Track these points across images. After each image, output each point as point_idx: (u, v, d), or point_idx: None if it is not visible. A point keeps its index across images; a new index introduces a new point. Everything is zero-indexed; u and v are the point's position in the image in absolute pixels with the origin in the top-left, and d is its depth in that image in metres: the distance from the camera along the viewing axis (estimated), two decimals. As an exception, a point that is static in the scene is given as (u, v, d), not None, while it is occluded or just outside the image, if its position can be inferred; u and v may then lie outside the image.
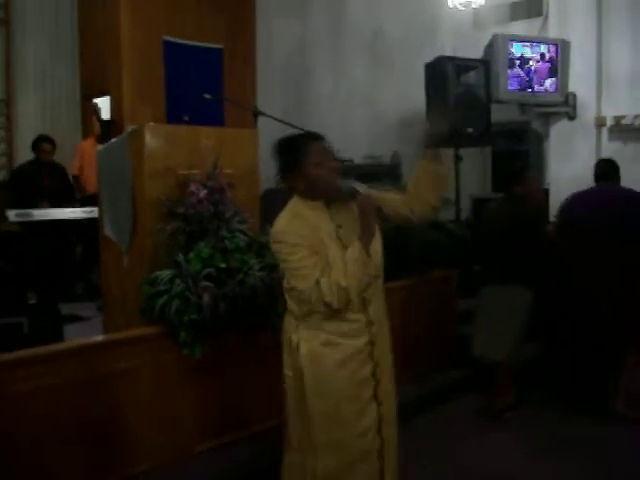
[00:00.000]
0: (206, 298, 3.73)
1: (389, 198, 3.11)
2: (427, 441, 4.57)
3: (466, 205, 7.10)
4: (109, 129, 7.88)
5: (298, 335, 2.88)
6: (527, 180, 4.98)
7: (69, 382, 3.38)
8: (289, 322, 2.98)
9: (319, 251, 2.78)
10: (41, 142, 7.17)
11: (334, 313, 2.81)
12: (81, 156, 7.78)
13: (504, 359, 4.93)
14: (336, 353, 2.85)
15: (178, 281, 3.76)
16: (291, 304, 2.93)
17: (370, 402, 2.93)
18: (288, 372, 2.99)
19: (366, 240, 2.77)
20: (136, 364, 3.66)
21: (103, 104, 8.82)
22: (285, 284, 2.92)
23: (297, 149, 2.84)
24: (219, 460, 3.92)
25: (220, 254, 3.95)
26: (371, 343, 2.94)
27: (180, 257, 3.84)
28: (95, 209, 6.34)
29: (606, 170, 5.26)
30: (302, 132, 2.99)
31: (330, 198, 2.90)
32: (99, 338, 3.84)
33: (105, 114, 8.71)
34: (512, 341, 4.90)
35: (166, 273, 3.81)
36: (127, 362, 3.62)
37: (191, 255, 3.87)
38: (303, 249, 2.75)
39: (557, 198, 6.92)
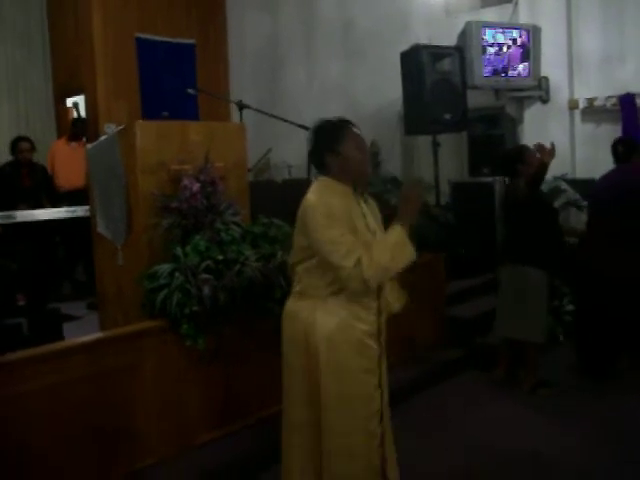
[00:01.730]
0: (206, 290, 3.79)
1: None
2: (427, 420, 4.70)
3: (445, 189, 7.20)
4: (80, 127, 7.87)
5: (314, 316, 2.89)
6: (529, 157, 5.04)
7: (74, 380, 3.42)
8: (299, 305, 2.96)
9: (352, 231, 2.81)
10: (19, 142, 7.13)
11: (355, 296, 2.86)
12: (52, 156, 7.75)
13: (531, 338, 5.08)
14: (351, 337, 2.90)
15: (178, 274, 3.82)
16: (308, 284, 2.93)
17: (377, 389, 3.01)
18: (294, 353, 2.99)
19: (405, 225, 2.82)
20: (140, 358, 3.71)
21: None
22: (308, 261, 2.91)
23: (340, 130, 2.92)
24: (224, 449, 3.98)
25: (216, 246, 4.01)
26: (379, 331, 3.01)
27: (178, 250, 3.89)
28: (78, 208, 6.37)
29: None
30: (342, 118, 2.99)
31: (359, 182, 2.97)
32: (102, 334, 3.87)
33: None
34: (537, 320, 5.04)
35: (165, 267, 3.86)
36: (131, 357, 3.68)
37: (188, 248, 3.93)
38: (343, 225, 2.78)
39: (533, 180, 7.08)
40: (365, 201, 3.03)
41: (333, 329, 2.87)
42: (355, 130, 2.95)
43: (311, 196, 2.87)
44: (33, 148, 7.20)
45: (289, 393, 3.07)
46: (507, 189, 5.23)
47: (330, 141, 2.91)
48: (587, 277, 5.43)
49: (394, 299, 3.20)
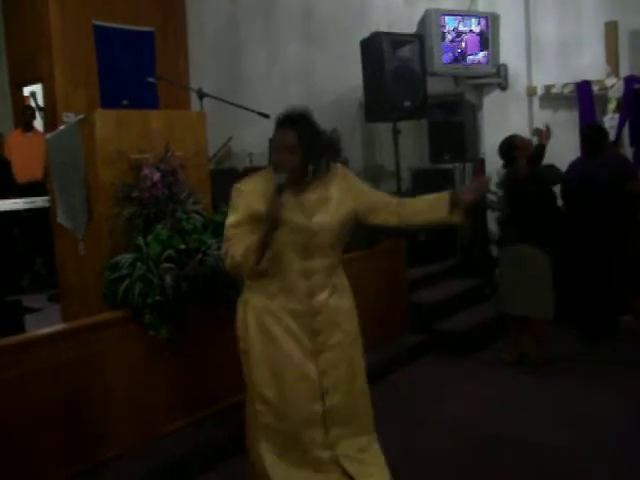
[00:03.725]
0: (168, 279, 3.79)
1: (377, 200, 3.21)
2: (393, 403, 4.73)
3: (406, 176, 7.25)
4: (30, 115, 7.82)
5: (245, 295, 3.14)
6: (519, 141, 5.42)
7: (37, 372, 3.39)
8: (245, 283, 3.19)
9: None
10: None
11: (278, 274, 3.03)
12: (8, 148, 7.66)
13: (539, 314, 5.29)
14: (275, 313, 3.05)
15: (139, 264, 3.81)
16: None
17: (308, 365, 3.08)
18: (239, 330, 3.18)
19: (266, 228, 2.86)
20: (102, 349, 3.69)
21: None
22: None
23: (275, 128, 3.04)
24: (190, 438, 4.00)
25: (178, 235, 4.00)
26: (311, 312, 3.08)
27: (140, 240, 3.88)
28: (37, 199, 6.29)
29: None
30: (283, 113, 3.04)
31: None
32: (64, 326, 3.85)
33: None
34: (545, 296, 5.26)
35: (127, 257, 3.85)
36: (93, 348, 3.65)
37: (150, 238, 3.91)
38: (243, 212, 2.97)
39: (492, 167, 7.14)
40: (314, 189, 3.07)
41: (258, 309, 3.07)
42: (279, 131, 3.00)
43: (244, 180, 3.10)
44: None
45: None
46: (507, 174, 5.45)
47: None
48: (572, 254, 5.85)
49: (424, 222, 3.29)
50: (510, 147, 5.38)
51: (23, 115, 7.93)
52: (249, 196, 2.99)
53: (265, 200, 2.88)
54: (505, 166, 5.48)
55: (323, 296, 3.11)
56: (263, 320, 3.06)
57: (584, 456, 3.91)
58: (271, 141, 3.08)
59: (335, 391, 3.12)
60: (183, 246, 3.95)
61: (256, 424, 3.13)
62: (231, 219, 3.01)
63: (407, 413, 4.63)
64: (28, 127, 7.87)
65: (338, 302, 3.19)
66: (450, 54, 7.13)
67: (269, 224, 2.83)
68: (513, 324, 5.50)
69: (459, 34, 7.12)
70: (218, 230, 4.23)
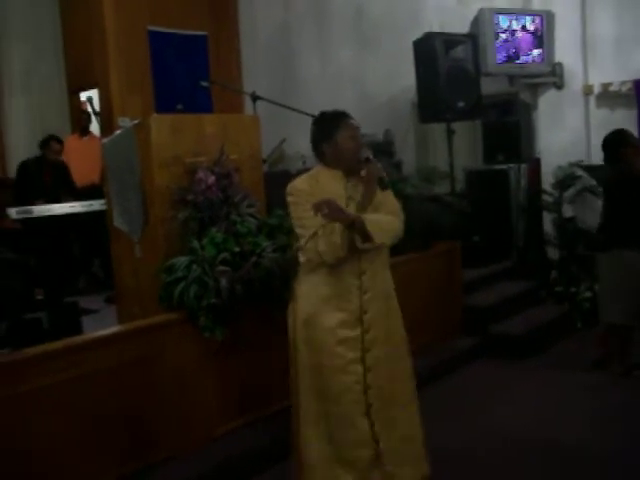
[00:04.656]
0: (223, 282, 3.81)
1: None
2: (444, 408, 4.71)
3: (460, 177, 7.18)
4: (86, 120, 7.97)
5: (300, 290, 3.26)
6: (633, 139, 5.06)
7: (93, 373, 3.44)
8: (297, 279, 3.32)
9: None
10: (51, 141, 7.19)
11: (333, 272, 3.13)
12: (66, 152, 7.81)
13: (627, 322, 5.02)
14: (327, 315, 3.15)
15: (195, 267, 3.84)
16: (301, 261, 3.27)
17: (353, 363, 3.17)
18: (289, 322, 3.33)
19: (364, 204, 3.10)
20: (158, 351, 3.74)
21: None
22: (297, 242, 3.25)
23: (335, 120, 3.19)
24: (241, 441, 4.02)
25: (233, 238, 4.03)
26: (362, 309, 3.19)
27: (195, 243, 3.91)
28: (94, 202, 6.39)
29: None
30: (339, 110, 3.25)
31: (351, 169, 3.20)
32: (121, 327, 3.91)
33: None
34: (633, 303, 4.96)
35: (182, 260, 3.88)
36: (149, 349, 3.71)
37: (205, 241, 3.94)
38: (307, 205, 3.06)
39: (548, 166, 7.06)
40: (359, 185, 3.19)
41: (311, 304, 3.19)
42: (350, 120, 3.20)
43: (295, 181, 3.22)
44: (62, 149, 7.27)
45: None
46: (613, 173, 5.11)
47: (327, 131, 3.18)
48: None
49: None
50: (619, 143, 4.96)
51: (80, 120, 8.09)
52: (310, 193, 3.12)
53: (324, 192, 3.08)
54: (608, 163, 5.09)
55: (371, 294, 3.21)
56: (310, 331, 3.19)
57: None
58: (330, 129, 3.18)
59: (378, 388, 3.23)
60: (237, 249, 3.98)
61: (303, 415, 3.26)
62: (299, 211, 3.14)
63: (456, 417, 4.59)
64: (85, 131, 8.03)
65: (385, 300, 3.31)
66: (504, 53, 7.03)
67: (368, 197, 3.08)
68: (619, 334, 5.17)
69: (513, 33, 7.02)
70: (272, 233, 4.26)
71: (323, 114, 3.30)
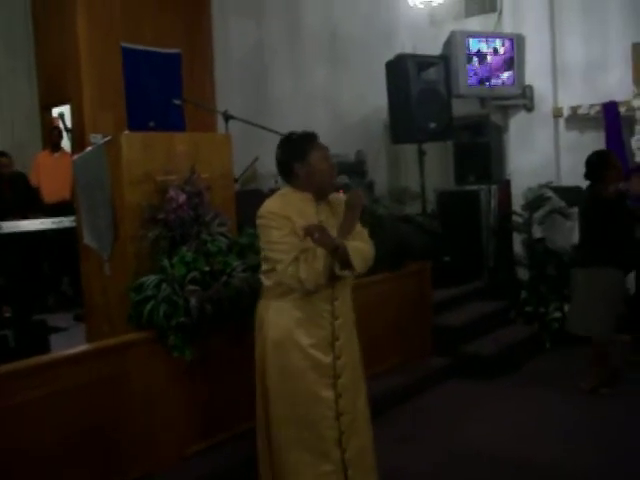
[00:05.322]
0: (193, 301, 3.78)
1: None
2: (414, 427, 4.74)
3: (431, 198, 7.23)
4: (57, 135, 7.92)
5: (268, 317, 3.15)
6: (616, 161, 5.20)
7: (61, 392, 3.39)
8: (262, 305, 3.24)
9: (301, 237, 2.98)
10: None
11: (304, 297, 3.06)
12: (37, 168, 7.75)
13: (596, 336, 5.16)
14: (300, 337, 3.10)
15: (164, 286, 3.81)
16: (267, 285, 3.17)
17: (326, 390, 3.14)
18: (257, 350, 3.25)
19: (346, 231, 3.04)
20: (127, 369, 3.70)
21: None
22: (263, 266, 3.18)
23: (307, 141, 3.16)
24: (210, 460, 3.98)
25: (203, 257, 4.01)
26: (334, 335, 3.16)
27: (165, 262, 3.89)
28: (64, 219, 6.33)
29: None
30: (308, 131, 3.21)
31: (322, 191, 3.17)
32: (90, 346, 3.87)
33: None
34: (603, 319, 5.08)
35: (152, 279, 3.86)
36: (118, 368, 3.66)
37: (175, 260, 3.92)
38: (287, 229, 3.01)
39: (519, 188, 7.14)
40: (328, 207, 3.21)
41: (281, 331, 3.12)
42: (320, 143, 3.18)
43: (267, 203, 3.13)
44: (11, 162, 7.19)
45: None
46: (589, 193, 5.24)
47: (299, 153, 3.13)
48: None
49: None
50: (602, 164, 5.12)
51: (51, 136, 8.05)
52: (284, 216, 3.04)
53: (297, 215, 3.04)
54: (590, 183, 5.23)
55: (341, 320, 3.19)
56: (282, 356, 3.12)
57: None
58: (303, 150, 3.13)
59: (348, 414, 3.20)
60: (208, 268, 3.96)
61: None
62: (275, 235, 3.03)
63: (428, 437, 4.59)
64: (56, 148, 7.98)
65: (351, 327, 3.30)
66: (475, 76, 7.12)
67: (351, 224, 3.06)
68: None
69: (484, 56, 7.11)
70: (243, 252, 4.25)
71: (292, 135, 3.24)
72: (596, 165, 5.16)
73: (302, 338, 3.10)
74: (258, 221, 3.11)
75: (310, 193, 3.16)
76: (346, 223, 3.07)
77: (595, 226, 5.10)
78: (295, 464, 3.14)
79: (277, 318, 3.13)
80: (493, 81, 7.21)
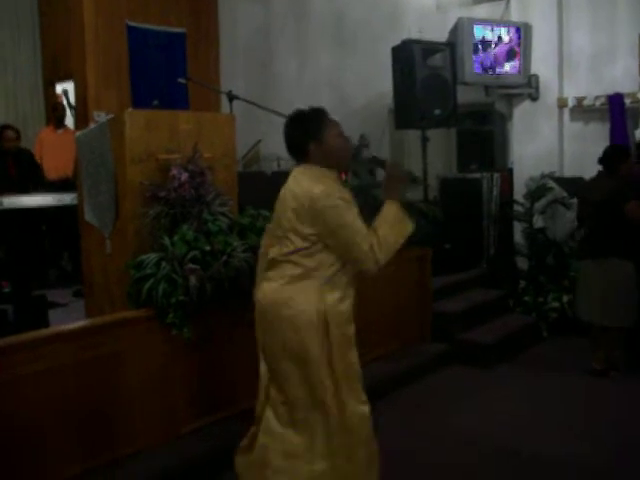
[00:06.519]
0: (193, 280, 3.79)
1: None
2: (412, 413, 4.76)
3: (433, 185, 7.22)
4: (61, 112, 7.91)
5: (324, 307, 2.96)
6: (630, 160, 5.30)
7: (59, 367, 3.42)
8: (300, 294, 2.98)
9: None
10: (3, 131, 7.09)
11: (351, 282, 3.04)
12: (40, 144, 7.73)
13: (617, 324, 5.24)
14: (349, 316, 3.05)
15: (164, 264, 3.83)
16: (308, 269, 2.97)
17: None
18: (304, 339, 2.99)
19: (395, 202, 3.03)
20: (125, 346, 3.72)
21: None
22: (302, 250, 2.97)
23: (320, 119, 3.06)
24: (207, 438, 4.01)
25: (204, 237, 4.02)
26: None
27: (166, 240, 3.90)
28: (66, 196, 6.34)
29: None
30: (318, 107, 3.12)
31: (340, 168, 3.13)
32: (88, 322, 3.89)
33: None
34: (629, 308, 5.19)
35: (152, 257, 3.87)
36: (116, 345, 3.68)
37: (175, 238, 3.93)
38: (354, 210, 2.93)
39: (521, 177, 7.13)
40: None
41: (340, 314, 3.00)
42: (334, 120, 3.10)
43: (315, 185, 2.94)
44: (19, 136, 7.17)
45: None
46: (600, 184, 5.29)
47: (313, 131, 3.03)
48: None
49: None
50: (621, 157, 5.25)
51: (54, 112, 8.03)
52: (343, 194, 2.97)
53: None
54: (605, 174, 5.31)
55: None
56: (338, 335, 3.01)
57: (594, 473, 3.86)
58: (317, 128, 3.04)
59: None
60: (208, 247, 3.96)
61: None
62: (350, 218, 2.91)
63: (423, 421, 4.61)
64: (59, 124, 7.96)
65: None
66: (481, 63, 7.08)
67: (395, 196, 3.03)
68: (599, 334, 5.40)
69: (490, 44, 7.08)
70: (244, 232, 4.26)
71: (303, 112, 3.12)
72: (614, 158, 5.25)
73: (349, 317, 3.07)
74: (322, 201, 2.90)
75: (334, 171, 3.07)
76: (391, 193, 3.04)
77: (612, 218, 5.14)
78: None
79: (333, 302, 2.99)
80: (498, 69, 7.17)
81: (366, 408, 3.09)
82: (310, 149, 3.03)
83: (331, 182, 2.98)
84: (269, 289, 3.07)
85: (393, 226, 2.95)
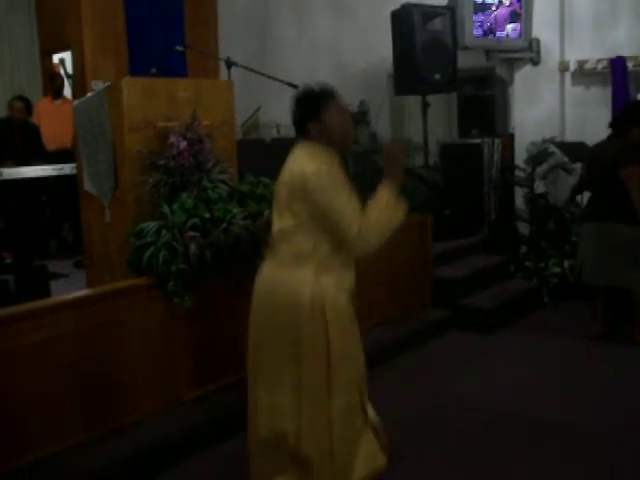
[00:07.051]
0: (193, 247, 3.79)
1: None
2: (411, 378, 4.78)
3: (434, 150, 7.19)
4: (59, 81, 7.87)
5: (320, 288, 2.90)
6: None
7: (62, 336, 3.43)
8: (293, 271, 2.93)
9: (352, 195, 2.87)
10: (13, 101, 7.09)
11: (348, 262, 2.98)
12: (38, 114, 7.69)
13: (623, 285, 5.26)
14: (347, 298, 3.00)
15: (164, 232, 3.82)
16: (302, 249, 2.91)
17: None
18: (299, 322, 2.92)
19: (392, 186, 2.93)
20: (126, 315, 3.72)
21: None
22: (294, 228, 2.92)
23: (322, 98, 2.95)
24: (208, 406, 4.04)
25: (203, 204, 4.01)
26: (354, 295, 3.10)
27: (165, 208, 3.89)
28: (65, 166, 6.32)
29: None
30: (324, 85, 3.00)
31: (343, 147, 3.03)
32: (89, 291, 3.89)
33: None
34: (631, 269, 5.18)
35: (152, 225, 3.86)
36: (117, 314, 3.69)
37: (175, 206, 3.92)
38: (345, 191, 2.84)
39: (522, 142, 7.09)
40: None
41: (337, 296, 2.94)
42: (338, 98, 2.98)
43: (309, 163, 2.87)
44: (28, 108, 7.15)
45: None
46: (608, 148, 5.23)
47: (312, 109, 2.95)
48: None
49: None
50: (634, 121, 5.16)
51: (52, 82, 7.98)
52: (338, 176, 2.88)
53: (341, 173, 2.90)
54: (614, 137, 5.26)
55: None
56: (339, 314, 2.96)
57: (597, 438, 3.87)
58: (318, 107, 2.95)
59: None
60: (208, 215, 3.95)
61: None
62: (340, 199, 2.81)
63: (422, 386, 4.63)
64: (57, 94, 7.91)
65: None
66: (482, 27, 7.01)
67: (395, 177, 2.95)
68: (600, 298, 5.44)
69: (491, 7, 7.00)
70: (243, 199, 4.24)
71: (308, 90, 3.00)
72: (626, 120, 5.20)
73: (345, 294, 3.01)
74: (314, 179, 2.82)
75: (333, 150, 2.98)
76: (389, 178, 2.94)
77: (617, 182, 5.08)
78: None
79: (328, 284, 2.92)
80: (499, 33, 7.10)
81: (357, 419, 3.07)
82: (309, 128, 2.96)
83: (327, 161, 2.89)
84: (267, 268, 3.05)
85: (386, 209, 2.88)
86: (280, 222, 2.99)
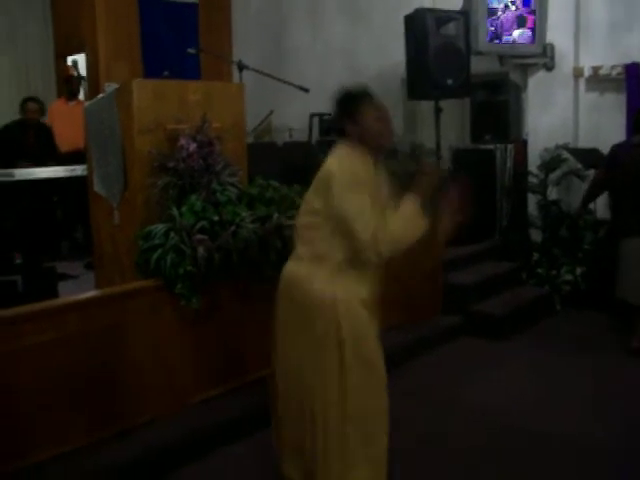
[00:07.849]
0: (201, 250, 3.78)
1: None
2: (422, 384, 4.75)
3: (446, 156, 7.15)
4: (75, 84, 7.90)
5: (333, 286, 2.92)
6: None
7: (68, 337, 3.43)
8: (311, 271, 2.96)
9: (372, 201, 2.84)
10: (27, 102, 7.11)
11: (367, 264, 2.93)
12: (51, 116, 7.72)
13: None
14: (365, 306, 3.02)
15: (172, 234, 3.81)
16: (322, 250, 2.94)
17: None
18: (314, 320, 2.95)
19: (418, 200, 2.91)
20: (134, 317, 3.72)
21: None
22: (313, 226, 2.96)
23: (359, 100, 2.99)
24: (216, 409, 4.02)
25: (212, 207, 4.00)
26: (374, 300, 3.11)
27: (174, 210, 3.88)
28: (77, 167, 6.33)
29: None
30: (361, 87, 3.05)
31: (378, 152, 3.03)
32: (96, 293, 3.89)
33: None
34: None
35: (160, 227, 3.86)
36: (125, 315, 3.69)
37: (184, 209, 3.91)
38: (366, 194, 2.83)
39: (535, 148, 7.05)
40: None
41: (353, 302, 2.95)
42: (379, 102, 3.02)
43: (336, 161, 2.93)
44: (42, 109, 7.18)
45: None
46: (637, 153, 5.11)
47: (348, 110, 2.99)
48: None
49: None
50: None
51: (66, 84, 8.01)
52: (360, 176, 2.88)
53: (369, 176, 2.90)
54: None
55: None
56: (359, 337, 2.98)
57: (604, 451, 3.81)
58: (357, 108, 2.97)
59: None
60: (217, 217, 3.95)
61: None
62: (356, 201, 2.81)
63: (431, 392, 4.62)
64: (72, 96, 7.94)
65: None
66: (495, 32, 6.97)
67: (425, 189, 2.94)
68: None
69: (505, 12, 6.96)
70: (252, 203, 4.23)
71: (350, 89, 3.04)
72: None
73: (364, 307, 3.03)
74: (336, 177, 2.86)
75: (367, 154, 2.97)
76: (418, 192, 2.92)
77: None
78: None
79: (345, 288, 2.94)
80: (513, 38, 7.05)
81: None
82: (347, 128, 2.99)
83: (356, 162, 2.91)
84: (290, 266, 3.08)
85: (408, 221, 2.87)
86: (301, 219, 3.07)
